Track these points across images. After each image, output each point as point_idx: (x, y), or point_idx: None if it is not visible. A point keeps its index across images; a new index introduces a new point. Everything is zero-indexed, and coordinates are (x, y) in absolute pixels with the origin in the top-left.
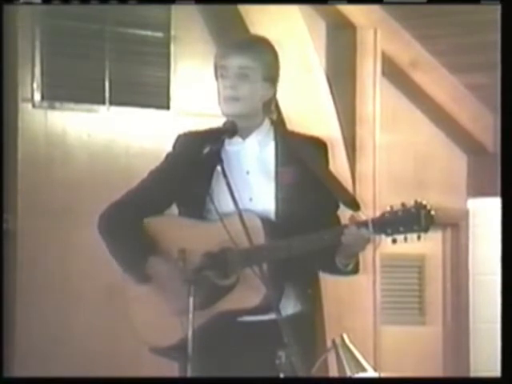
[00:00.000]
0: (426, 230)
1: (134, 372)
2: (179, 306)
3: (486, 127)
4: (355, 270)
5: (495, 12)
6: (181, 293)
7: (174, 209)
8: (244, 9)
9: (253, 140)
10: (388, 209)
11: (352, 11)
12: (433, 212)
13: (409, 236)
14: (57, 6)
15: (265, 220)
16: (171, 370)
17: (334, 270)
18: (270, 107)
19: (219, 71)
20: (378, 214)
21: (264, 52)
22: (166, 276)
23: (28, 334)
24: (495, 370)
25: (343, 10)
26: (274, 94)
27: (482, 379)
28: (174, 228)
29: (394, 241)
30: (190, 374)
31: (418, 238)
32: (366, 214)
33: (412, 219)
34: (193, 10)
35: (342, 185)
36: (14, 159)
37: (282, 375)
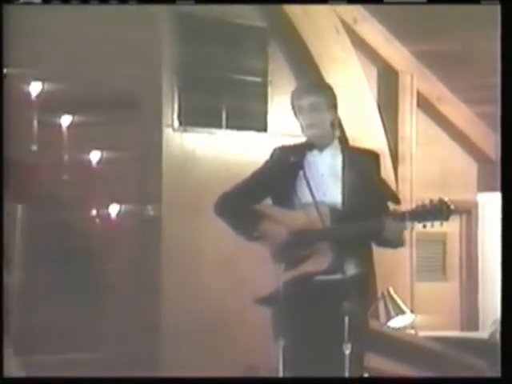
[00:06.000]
0: (446, 219)
1: (243, 321)
2: (280, 258)
3: (491, 144)
4: (400, 244)
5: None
6: (284, 245)
7: (269, 201)
8: (319, 59)
9: (327, 153)
10: (420, 203)
11: (396, 60)
12: (452, 206)
13: (435, 223)
14: (196, 57)
15: (332, 209)
16: (267, 319)
17: (386, 245)
18: (335, 126)
19: (296, 109)
20: (413, 207)
21: (326, 90)
22: (275, 231)
23: (179, 291)
24: (496, 310)
25: (389, 60)
26: (336, 116)
27: (482, 379)
28: (269, 213)
29: (424, 226)
30: (280, 319)
31: (441, 224)
32: (405, 207)
33: (436, 211)
34: (283, 61)
35: (388, 185)
36: (159, 169)
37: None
